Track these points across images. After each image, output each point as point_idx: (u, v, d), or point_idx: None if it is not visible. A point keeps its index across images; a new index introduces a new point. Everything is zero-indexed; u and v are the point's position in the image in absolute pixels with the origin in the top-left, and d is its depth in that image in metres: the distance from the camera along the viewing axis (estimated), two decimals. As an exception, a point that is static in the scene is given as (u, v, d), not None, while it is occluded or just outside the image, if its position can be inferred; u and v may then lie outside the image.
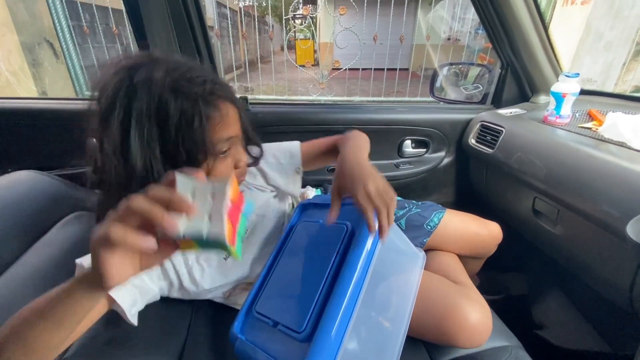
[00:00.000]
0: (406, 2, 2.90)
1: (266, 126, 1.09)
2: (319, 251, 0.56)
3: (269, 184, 0.77)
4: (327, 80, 3.26)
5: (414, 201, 0.91)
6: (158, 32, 0.84)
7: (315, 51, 6.74)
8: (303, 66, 3.26)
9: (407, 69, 4.34)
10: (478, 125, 1.11)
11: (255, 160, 0.67)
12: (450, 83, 1.45)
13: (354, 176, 0.53)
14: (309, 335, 0.44)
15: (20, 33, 2.91)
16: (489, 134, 1.05)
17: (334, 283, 0.47)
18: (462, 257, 0.85)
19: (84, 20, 3.24)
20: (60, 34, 2.97)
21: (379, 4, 2.91)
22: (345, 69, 3.20)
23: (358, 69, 3.25)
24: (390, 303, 0.53)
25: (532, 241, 0.99)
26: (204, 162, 0.50)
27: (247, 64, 3.16)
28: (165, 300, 0.61)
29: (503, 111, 1.11)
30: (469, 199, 1.25)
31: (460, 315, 0.57)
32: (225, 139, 0.51)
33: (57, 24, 2.92)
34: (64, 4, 2.91)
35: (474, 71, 1.71)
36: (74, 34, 3.01)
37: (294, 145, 0.79)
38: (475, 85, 1.37)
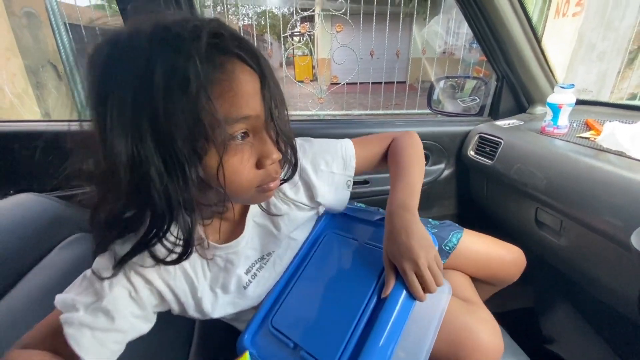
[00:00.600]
0: (401, 18, 2.97)
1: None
2: (355, 275, 0.51)
3: (314, 201, 0.58)
4: (325, 95, 3.30)
5: (431, 219, 0.88)
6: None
7: (313, 67, 6.88)
8: (302, 82, 3.32)
9: (404, 82, 4.41)
10: (476, 137, 1.11)
11: (293, 167, 0.51)
12: (447, 96, 1.47)
13: (404, 248, 0.46)
14: None
15: (25, 57, 2.98)
16: (487, 145, 1.06)
17: (372, 320, 0.44)
18: (474, 281, 0.80)
19: (86, 43, 3.31)
20: (64, 57, 3.03)
21: (374, 21, 2.98)
22: (344, 84, 3.26)
23: (356, 83, 3.30)
24: (409, 333, 0.48)
25: (536, 252, 0.98)
26: (208, 154, 0.37)
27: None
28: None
29: (501, 122, 1.12)
30: (470, 211, 1.25)
31: (472, 337, 0.55)
32: (236, 117, 0.37)
33: (61, 47, 2.99)
34: (68, 27, 2.98)
35: (470, 84, 1.73)
36: (77, 56, 3.07)
37: (348, 149, 0.62)
38: (472, 97, 1.39)
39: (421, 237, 0.48)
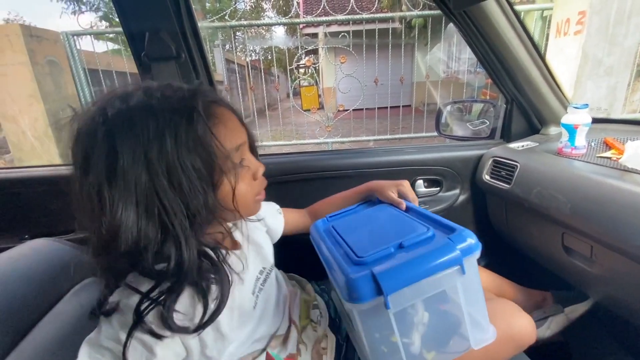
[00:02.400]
0: (402, 46, 3.05)
1: (276, 176, 1.10)
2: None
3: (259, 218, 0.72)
4: (332, 123, 3.35)
5: None
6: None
7: (319, 96, 7.05)
8: (309, 110, 3.38)
9: (409, 106, 4.45)
10: (490, 161, 1.09)
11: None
12: (455, 120, 1.46)
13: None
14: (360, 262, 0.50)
15: (46, 102, 3.14)
16: (503, 169, 1.03)
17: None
18: None
19: (104, 86, 3.49)
20: (82, 100, 3.19)
21: (377, 50, 3.07)
22: (350, 111, 3.31)
23: (362, 109, 3.35)
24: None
25: (567, 280, 0.92)
26: (224, 183, 0.45)
27: (255, 113, 3.31)
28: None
29: (514, 145, 1.09)
30: (490, 237, 1.20)
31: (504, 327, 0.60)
32: (236, 146, 0.48)
33: (80, 91, 3.16)
34: (87, 72, 3.16)
35: (477, 107, 1.73)
36: (95, 99, 3.23)
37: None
38: (481, 120, 1.37)
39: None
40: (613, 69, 2.77)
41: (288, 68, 3.53)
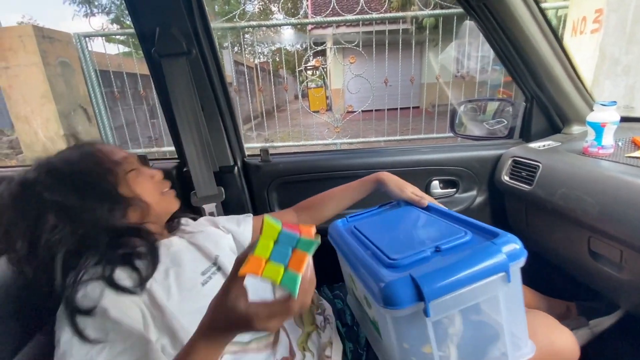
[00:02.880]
0: (413, 45, 3.01)
1: (288, 176, 1.07)
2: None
3: (221, 227, 0.78)
4: (341, 124, 3.32)
5: None
6: (180, 92, 0.86)
7: (327, 97, 7.03)
8: (317, 112, 3.36)
9: (418, 107, 4.39)
10: (510, 161, 1.04)
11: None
12: (470, 120, 1.42)
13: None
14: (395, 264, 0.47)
15: (58, 102, 3.18)
16: (523, 169, 0.99)
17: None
18: None
19: (115, 87, 3.52)
20: (94, 100, 3.22)
21: (387, 50, 3.03)
22: (359, 112, 3.27)
23: (371, 111, 3.31)
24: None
25: (593, 288, 0.87)
26: (120, 184, 0.60)
27: (264, 114, 3.30)
28: None
29: (535, 145, 1.05)
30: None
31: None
32: (120, 158, 0.63)
33: (92, 92, 3.18)
34: (98, 73, 3.19)
35: (492, 106, 1.68)
36: (106, 99, 3.26)
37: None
38: (498, 119, 1.33)
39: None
40: (631, 68, 2.69)
41: (297, 69, 3.51)
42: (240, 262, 0.36)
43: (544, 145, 1.02)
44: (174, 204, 0.71)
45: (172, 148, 1.01)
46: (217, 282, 0.61)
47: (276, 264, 0.34)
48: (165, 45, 0.82)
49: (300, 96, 3.32)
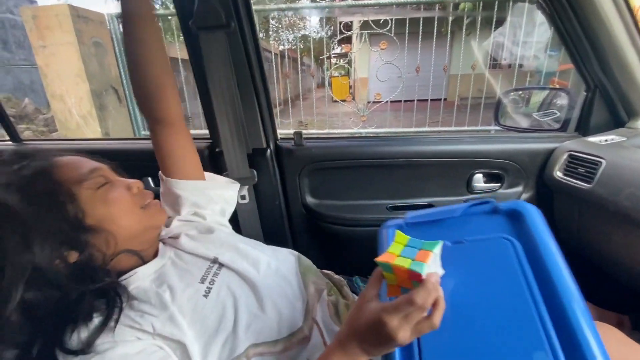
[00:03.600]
0: (449, 31, 2.86)
1: (320, 161, 1.03)
2: (488, 278, 0.45)
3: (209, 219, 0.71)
4: (368, 113, 3.23)
5: None
6: (217, 68, 0.83)
7: (350, 86, 6.90)
8: (344, 100, 3.28)
9: (445, 99, 4.21)
10: (565, 156, 0.95)
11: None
12: (517, 110, 1.31)
13: None
14: None
15: (91, 82, 3.26)
16: (581, 165, 0.89)
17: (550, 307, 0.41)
18: None
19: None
20: (125, 81, 3.28)
21: (420, 37, 2.89)
22: (387, 101, 3.17)
23: (399, 101, 3.20)
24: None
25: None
26: (76, 200, 0.49)
27: (290, 101, 3.26)
28: None
29: (595, 139, 0.95)
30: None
31: None
32: (86, 171, 0.53)
33: (123, 72, 3.24)
34: (129, 55, 3.23)
35: (537, 96, 1.56)
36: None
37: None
38: (549, 110, 1.23)
39: None
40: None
41: (325, 56, 3.43)
42: (374, 272, 0.41)
43: (606, 140, 0.92)
44: (159, 218, 0.61)
45: (198, 131, 0.98)
46: (224, 278, 0.57)
47: (404, 257, 0.39)
48: (203, 16, 0.78)
49: (327, 83, 3.25)
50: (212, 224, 0.71)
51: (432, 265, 0.40)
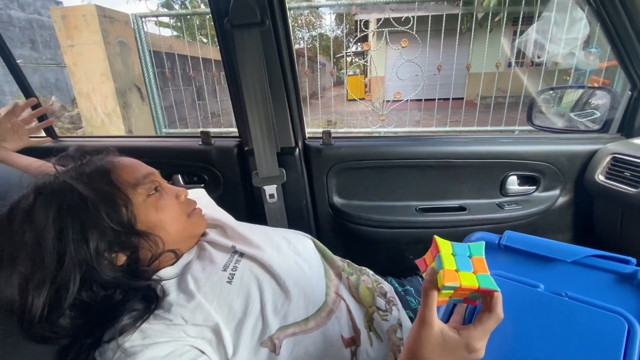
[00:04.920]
0: (473, 29, 2.78)
1: (349, 161, 1.01)
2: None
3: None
4: (384, 112, 3.19)
5: None
6: (250, 66, 0.82)
7: (365, 85, 6.83)
8: (363, 99, 3.25)
9: (462, 99, 4.10)
10: (609, 159, 0.91)
11: None
12: (554, 110, 1.26)
13: None
14: None
15: (116, 80, 3.34)
16: (627, 169, 0.85)
17: None
18: None
19: (166, 67, 3.64)
20: (147, 80, 3.35)
21: (443, 34, 2.83)
22: (407, 100, 3.12)
23: (418, 100, 3.15)
24: None
25: None
26: (130, 205, 0.51)
27: (308, 98, 3.25)
28: None
29: (640, 141, 0.90)
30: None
31: None
32: (142, 176, 0.55)
33: (145, 71, 3.31)
34: (152, 54, 3.30)
35: (570, 96, 1.50)
36: (158, 80, 3.38)
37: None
38: (587, 111, 1.17)
39: None
40: None
41: (336, 56, 3.41)
42: (427, 290, 0.38)
43: (654, 142, 0.87)
44: (202, 226, 0.63)
45: (220, 129, 0.98)
46: (246, 264, 0.57)
47: (466, 272, 0.38)
48: (239, 14, 0.77)
49: (345, 82, 3.22)
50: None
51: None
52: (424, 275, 0.40)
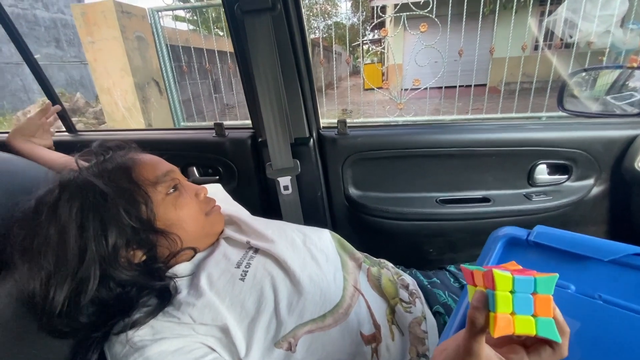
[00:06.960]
0: (497, 12, 2.63)
1: (365, 151, 0.98)
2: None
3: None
4: (403, 101, 3.10)
5: None
6: (262, 54, 0.80)
7: (383, 74, 6.66)
8: (380, 88, 3.17)
9: (485, 85, 3.92)
10: (651, 145, 0.83)
11: None
12: (588, 93, 1.17)
13: None
14: None
15: (135, 75, 3.41)
16: (673, 155, 0.77)
17: None
18: None
19: (183, 61, 3.67)
20: (165, 74, 3.39)
21: (464, 17, 2.70)
22: (426, 88, 3.01)
23: (438, 88, 3.03)
24: None
25: None
26: (150, 202, 0.51)
27: (323, 89, 3.20)
28: None
29: (689, 125, 0.81)
30: (628, 242, 0.94)
31: None
32: (162, 174, 0.55)
33: (163, 66, 3.35)
34: (169, 47, 3.33)
35: (604, 78, 1.39)
36: (175, 73, 3.42)
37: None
38: (625, 93, 1.08)
39: None
40: None
41: (352, 44, 3.32)
42: (473, 319, 0.30)
43: None
44: (220, 224, 0.63)
45: (235, 122, 0.96)
46: (260, 260, 0.56)
47: (523, 316, 0.30)
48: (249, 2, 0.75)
49: (362, 71, 3.14)
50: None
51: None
52: (467, 285, 0.34)
